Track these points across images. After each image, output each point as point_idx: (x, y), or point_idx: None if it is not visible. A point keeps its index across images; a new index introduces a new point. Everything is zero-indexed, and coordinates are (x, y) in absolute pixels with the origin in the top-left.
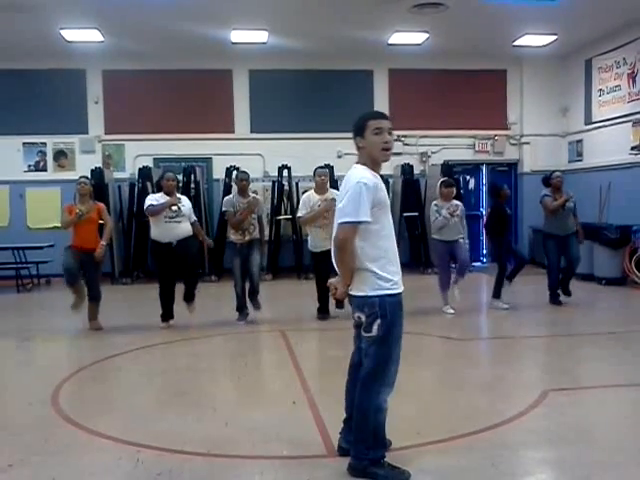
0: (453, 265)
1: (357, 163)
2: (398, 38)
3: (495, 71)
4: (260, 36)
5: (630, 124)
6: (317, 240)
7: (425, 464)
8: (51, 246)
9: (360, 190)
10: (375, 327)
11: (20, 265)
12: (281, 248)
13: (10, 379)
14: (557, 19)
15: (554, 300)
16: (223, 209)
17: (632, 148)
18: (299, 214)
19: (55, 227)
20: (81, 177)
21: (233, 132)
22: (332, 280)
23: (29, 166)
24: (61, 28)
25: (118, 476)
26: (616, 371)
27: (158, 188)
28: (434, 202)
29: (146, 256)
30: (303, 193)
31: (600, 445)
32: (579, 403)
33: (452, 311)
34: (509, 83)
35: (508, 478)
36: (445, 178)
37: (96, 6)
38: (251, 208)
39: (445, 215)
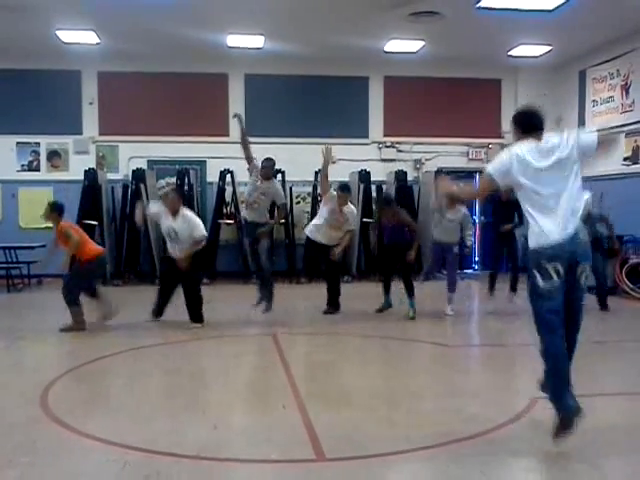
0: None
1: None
2: (394, 46)
3: (490, 80)
4: (256, 41)
5: (623, 135)
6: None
7: (413, 471)
8: (43, 246)
9: None
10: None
11: (11, 265)
12: (274, 252)
13: None
14: (552, 30)
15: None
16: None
17: (625, 159)
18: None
19: (47, 227)
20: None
21: (227, 135)
22: None
23: (22, 165)
24: (57, 29)
25: (106, 478)
26: (606, 380)
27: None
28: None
29: (138, 258)
30: (297, 197)
31: (588, 453)
32: None
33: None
34: (503, 92)
35: None
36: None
37: (92, 8)
38: None
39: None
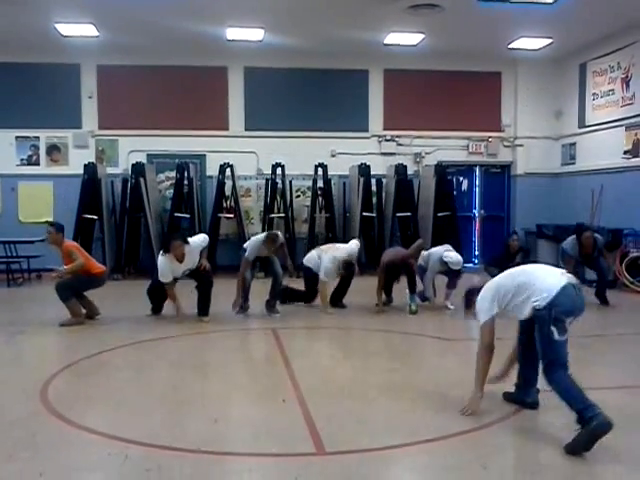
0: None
1: None
2: (394, 38)
3: (490, 73)
4: (256, 34)
5: (623, 128)
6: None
7: (415, 463)
8: (42, 241)
9: None
10: None
11: (11, 259)
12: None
13: None
14: (553, 23)
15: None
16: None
17: (625, 152)
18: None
19: (47, 222)
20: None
21: (227, 129)
22: None
23: (22, 160)
24: (56, 22)
25: (107, 472)
26: (605, 374)
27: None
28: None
29: (138, 252)
30: (297, 191)
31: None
32: None
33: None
34: (504, 85)
35: (496, 478)
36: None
37: (92, 1)
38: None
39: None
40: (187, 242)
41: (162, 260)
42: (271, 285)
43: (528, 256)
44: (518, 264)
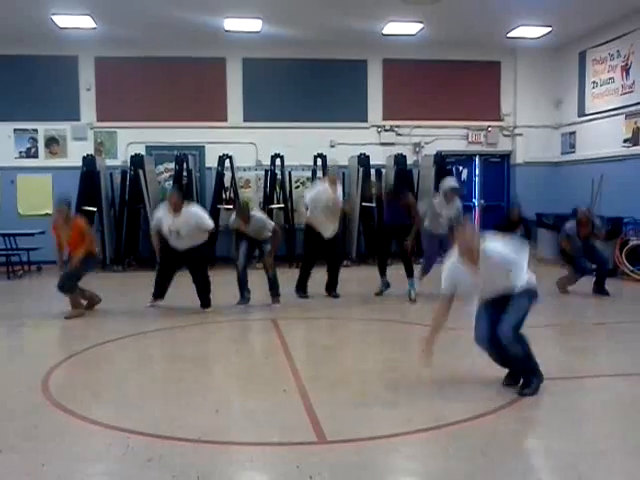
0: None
1: None
2: (392, 28)
3: (489, 62)
4: (254, 24)
5: (623, 116)
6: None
7: (414, 451)
8: (42, 233)
9: None
10: None
11: (11, 252)
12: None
13: (1, 365)
14: (552, 11)
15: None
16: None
17: (624, 140)
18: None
19: (46, 214)
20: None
21: (226, 120)
22: None
23: (20, 152)
24: (53, 14)
25: (108, 462)
26: (605, 361)
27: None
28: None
29: (137, 243)
30: (297, 182)
31: (588, 434)
32: (568, 392)
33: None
34: (503, 74)
35: (497, 466)
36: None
37: None
38: None
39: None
40: (185, 200)
41: (160, 206)
42: (266, 276)
43: (530, 231)
44: (521, 236)
